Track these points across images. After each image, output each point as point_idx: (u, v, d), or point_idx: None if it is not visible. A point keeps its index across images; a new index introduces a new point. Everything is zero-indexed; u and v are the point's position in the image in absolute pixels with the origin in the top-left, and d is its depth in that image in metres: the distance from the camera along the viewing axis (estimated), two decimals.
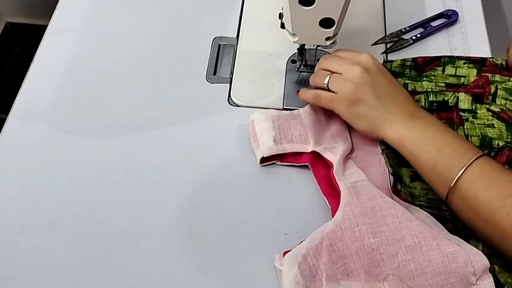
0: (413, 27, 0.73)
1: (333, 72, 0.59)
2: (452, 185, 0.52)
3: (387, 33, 0.72)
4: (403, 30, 0.72)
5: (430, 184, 0.55)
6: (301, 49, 0.66)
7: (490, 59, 0.67)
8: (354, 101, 0.57)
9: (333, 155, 0.58)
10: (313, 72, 0.67)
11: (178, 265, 0.54)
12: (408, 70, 0.68)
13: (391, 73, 0.67)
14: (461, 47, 0.71)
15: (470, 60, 0.68)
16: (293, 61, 0.70)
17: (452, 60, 0.68)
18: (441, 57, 0.68)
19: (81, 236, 0.56)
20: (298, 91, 0.63)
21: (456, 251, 0.49)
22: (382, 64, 0.66)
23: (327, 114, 0.63)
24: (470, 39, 0.72)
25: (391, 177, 0.58)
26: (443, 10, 0.74)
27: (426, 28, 0.73)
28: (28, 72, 0.70)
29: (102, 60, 0.71)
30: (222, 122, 0.64)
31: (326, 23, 0.59)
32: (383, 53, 0.71)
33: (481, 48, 0.70)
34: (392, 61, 0.68)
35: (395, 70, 0.68)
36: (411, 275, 0.50)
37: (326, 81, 0.58)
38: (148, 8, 0.77)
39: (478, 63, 0.67)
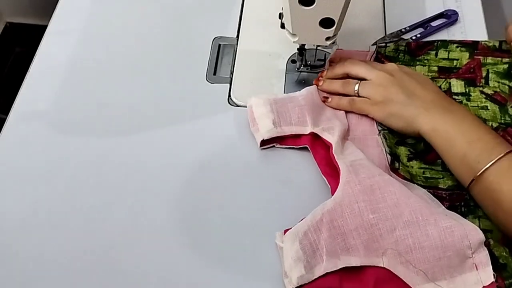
0: (413, 27, 0.73)
1: (361, 78, 0.62)
2: (478, 174, 0.53)
3: (387, 33, 0.72)
4: (403, 30, 0.72)
5: (456, 173, 0.57)
6: (301, 49, 0.66)
7: (482, 42, 0.68)
8: (386, 102, 0.60)
9: (331, 136, 0.59)
10: (313, 72, 0.68)
11: (179, 264, 0.54)
12: (402, 54, 0.69)
13: (386, 58, 0.68)
14: None
15: (462, 44, 0.69)
16: (293, 61, 0.70)
17: (445, 44, 0.69)
18: (434, 41, 0.69)
19: (80, 236, 0.56)
20: (325, 98, 0.64)
21: (452, 226, 0.50)
22: (376, 49, 0.68)
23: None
24: (470, 39, 0.72)
25: (389, 156, 0.59)
26: (443, 10, 0.74)
27: (426, 28, 0.73)
28: (28, 72, 0.70)
29: (102, 60, 0.71)
30: (222, 122, 0.64)
31: (326, 23, 0.59)
32: None
33: None
34: (386, 46, 0.69)
35: (389, 54, 0.69)
36: (409, 249, 0.51)
37: (356, 88, 0.62)
38: (148, 8, 0.77)
39: (471, 46, 0.69)
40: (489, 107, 0.63)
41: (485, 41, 0.69)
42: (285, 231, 0.53)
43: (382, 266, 0.51)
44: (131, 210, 0.58)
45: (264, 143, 0.61)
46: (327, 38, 0.61)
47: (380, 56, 0.69)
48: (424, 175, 0.59)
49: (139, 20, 0.75)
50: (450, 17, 0.73)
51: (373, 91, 0.61)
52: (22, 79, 0.69)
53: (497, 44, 0.68)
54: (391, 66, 0.62)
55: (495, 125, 0.62)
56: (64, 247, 0.55)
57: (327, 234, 0.52)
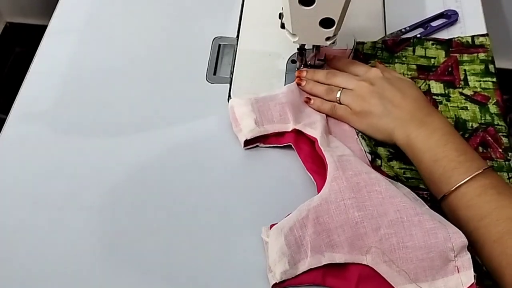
0: (413, 27, 0.73)
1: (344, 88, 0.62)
2: (440, 198, 0.54)
3: (387, 33, 0.72)
4: (403, 30, 0.72)
5: (428, 188, 0.57)
6: (301, 49, 0.66)
7: (456, 39, 0.69)
8: (365, 114, 0.60)
9: (314, 130, 0.60)
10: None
11: (179, 264, 0.54)
12: (380, 51, 0.70)
13: (364, 55, 0.69)
14: None
15: (437, 41, 0.70)
16: (293, 61, 0.70)
17: (421, 41, 0.70)
18: (410, 38, 0.70)
19: (81, 235, 0.56)
20: (308, 99, 0.64)
21: (436, 227, 0.51)
22: (354, 46, 0.68)
23: (303, 94, 0.65)
24: None
25: (369, 156, 0.59)
26: (443, 10, 0.74)
27: (426, 28, 0.73)
28: (28, 72, 0.70)
29: (102, 60, 0.71)
30: (222, 122, 0.64)
31: (326, 23, 0.59)
32: None
33: None
34: (363, 43, 0.70)
35: (367, 52, 0.70)
36: (393, 248, 0.51)
37: (338, 96, 0.62)
38: (148, 8, 0.77)
39: (445, 44, 0.70)
40: (469, 108, 0.64)
41: (458, 37, 0.69)
42: (271, 226, 0.54)
43: (365, 263, 0.52)
44: (131, 210, 0.58)
45: (247, 143, 0.61)
46: (327, 38, 0.61)
47: (359, 54, 0.69)
48: (405, 175, 0.60)
49: (139, 20, 0.75)
50: (450, 17, 0.73)
51: (352, 102, 0.61)
52: (22, 79, 0.69)
53: (469, 39, 0.69)
54: (374, 73, 0.61)
55: (475, 125, 0.63)
56: (64, 247, 0.55)
57: (312, 230, 0.52)
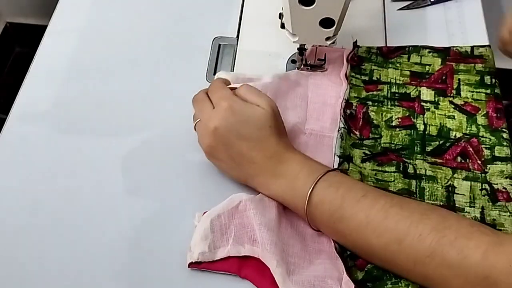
0: None
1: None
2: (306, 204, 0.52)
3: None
4: None
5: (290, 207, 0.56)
6: (301, 49, 0.66)
7: (454, 48, 0.69)
8: (211, 156, 0.58)
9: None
10: (313, 72, 0.68)
11: (178, 264, 0.54)
12: (375, 56, 0.69)
13: (358, 58, 0.69)
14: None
15: (434, 50, 0.69)
16: (293, 61, 0.70)
17: (416, 49, 0.70)
18: (406, 46, 0.70)
19: (81, 236, 0.56)
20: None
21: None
22: (354, 47, 0.68)
23: (289, 85, 0.65)
24: (469, 39, 0.72)
25: (337, 159, 0.59)
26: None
27: None
28: (28, 72, 0.70)
29: (102, 60, 0.71)
30: None
31: (326, 23, 0.59)
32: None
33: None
34: (359, 47, 0.69)
35: (362, 55, 0.69)
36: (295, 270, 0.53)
37: (194, 124, 0.59)
38: (148, 8, 0.77)
39: (443, 52, 0.69)
40: (456, 117, 0.64)
41: (457, 46, 0.69)
42: (204, 213, 0.55)
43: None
44: (131, 210, 0.58)
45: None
46: (327, 38, 0.61)
47: (353, 55, 0.69)
48: (376, 177, 0.59)
49: (139, 20, 0.75)
50: None
51: (201, 137, 0.58)
52: (22, 79, 0.69)
53: (469, 49, 0.69)
54: (219, 119, 0.55)
55: (459, 135, 0.62)
56: (64, 247, 0.55)
57: (238, 221, 0.54)
